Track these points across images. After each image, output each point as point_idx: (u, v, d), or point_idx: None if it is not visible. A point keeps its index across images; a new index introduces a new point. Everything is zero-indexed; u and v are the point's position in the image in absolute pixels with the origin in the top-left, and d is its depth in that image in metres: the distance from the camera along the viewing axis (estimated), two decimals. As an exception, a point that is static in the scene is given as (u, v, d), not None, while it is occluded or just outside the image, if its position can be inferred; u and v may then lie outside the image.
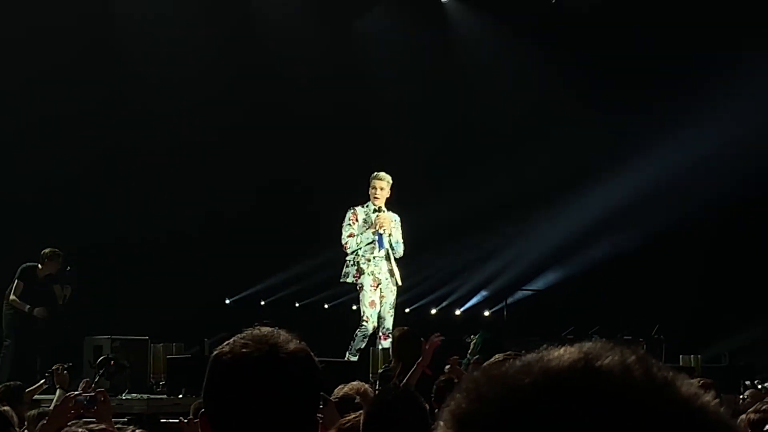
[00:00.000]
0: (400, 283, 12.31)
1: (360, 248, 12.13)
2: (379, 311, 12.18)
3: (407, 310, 12.51)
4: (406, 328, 11.60)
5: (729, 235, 20.36)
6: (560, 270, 21.87)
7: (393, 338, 10.93)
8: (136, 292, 17.26)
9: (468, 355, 12.91)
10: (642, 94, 20.70)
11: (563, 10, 17.32)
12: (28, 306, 14.05)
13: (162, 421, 9.47)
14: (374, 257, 12.11)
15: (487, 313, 22.55)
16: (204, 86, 19.45)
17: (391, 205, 12.51)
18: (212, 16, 20.04)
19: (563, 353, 1.02)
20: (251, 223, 20.17)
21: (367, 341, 12.23)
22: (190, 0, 19.74)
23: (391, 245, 12.19)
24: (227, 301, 21.56)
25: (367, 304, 12.11)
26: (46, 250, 14.28)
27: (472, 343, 13.33)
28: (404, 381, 7.99)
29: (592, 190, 21.05)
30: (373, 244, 12.10)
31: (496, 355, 3.68)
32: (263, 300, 21.81)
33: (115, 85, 18.97)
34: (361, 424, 4.21)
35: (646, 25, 20.26)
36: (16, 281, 14.11)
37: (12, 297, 14.04)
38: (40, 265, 14.24)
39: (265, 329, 2.44)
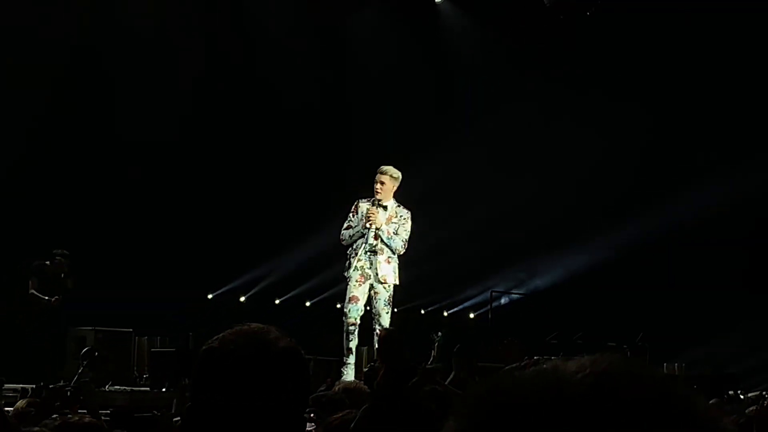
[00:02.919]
0: (393, 282, 11.86)
1: (353, 241, 11.94)
2: (375, 308, 11.93)
3: (395, 310, 12.25)
4: (391, 328, 11.49)
5: (715, 242, 20.35)
6: (547, 276, 21.82)
7: (378, 339, 10.79)
8: (119, 284, 17.11)
9: (432, 353, 12.76)
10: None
11: (560, 15, 17.15)
12: (47, 297, 14.40)
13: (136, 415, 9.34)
14: (366, 252, 11.91)
15: (472, 316, 22.56)
16: (189, 89, 19.26)
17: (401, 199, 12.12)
18: (200, 16, 19.81)
19: (576, 370, 0.99)
20: (234, 216, 20.02)
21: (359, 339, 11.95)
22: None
23: (383, 241, 11.97)
24: (209, 296, 21.47)
25: (348, 299, 11.90)
26: (57, 251, 14.90)
27: (436, 344, 13.19)
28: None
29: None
30: (364, 239, 11.96)
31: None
32: (243, 296, 21.72)
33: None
34: (357, 420, 4.16)
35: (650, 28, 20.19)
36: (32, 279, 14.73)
37: (31, 291, 14.63)
38: (48, 262, 14.78)
39: (255, 325, 2.43)
